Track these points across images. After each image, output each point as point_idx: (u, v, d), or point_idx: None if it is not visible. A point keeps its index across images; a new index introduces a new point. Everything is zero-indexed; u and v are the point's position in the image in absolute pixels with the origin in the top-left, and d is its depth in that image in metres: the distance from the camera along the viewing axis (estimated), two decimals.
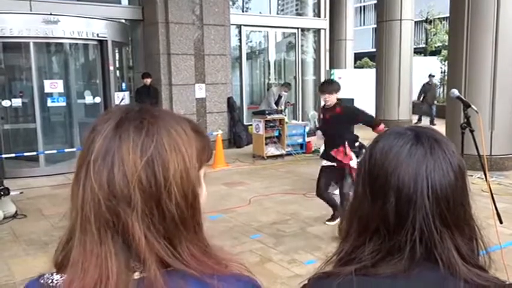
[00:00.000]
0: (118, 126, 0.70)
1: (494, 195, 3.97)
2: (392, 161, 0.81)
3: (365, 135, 4.39)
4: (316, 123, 10.37)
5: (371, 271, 0.80)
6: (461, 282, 0.77)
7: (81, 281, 0.65)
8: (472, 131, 3.86)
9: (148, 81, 9.35)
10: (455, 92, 4.17)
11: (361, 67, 22.95)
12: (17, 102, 7.79)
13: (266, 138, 8.96)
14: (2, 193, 5.48)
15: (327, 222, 4.97)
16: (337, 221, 4.85)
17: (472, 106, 3.90)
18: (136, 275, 0.68)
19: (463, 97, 4.29)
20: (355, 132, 5.20)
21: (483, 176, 4.08)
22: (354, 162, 4.64)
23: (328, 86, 4.80)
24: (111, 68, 8.42)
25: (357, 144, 5.18)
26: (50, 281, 0.71)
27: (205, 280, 0.69)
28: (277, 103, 10.50)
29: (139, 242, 0.67)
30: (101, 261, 0.66)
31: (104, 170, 0.67)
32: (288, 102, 11.90)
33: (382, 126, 4.62)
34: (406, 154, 0.81)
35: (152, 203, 0.68)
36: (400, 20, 13.19)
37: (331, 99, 4.70)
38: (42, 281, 0.71)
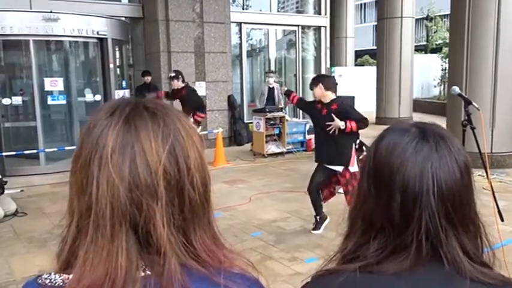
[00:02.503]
0: (130, 118, 0.69)
1: (495, 193, 3.97)
2: (398, 158, 0.80)
3: (366, 133, 4.39)
4: None
5: (375, 269, 0.79)
6: (466, 280, 0.76)
7: (90, 278, 0.65)
8: (473, 128, 3.85)
9: (148, 79, 9.35)
10: (456, 89, 4.15)
11: (362, 65, 22.92)
12: (17, 100, 7.78)
13: (267, 136, 8.96)
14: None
15: (312, 232, 4.78)
16: (321, 231, 4.71)
17: (473, 103, 3.88)
18: (141, 274, 0.67)
19: (464, 94, 4.28)
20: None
21: (484, 174, 4.07)
22: (354, 168, 4.53)
23: (312, 81, 4.72)
24: (111, 65, 8.42)
25: (357, 141, 5.13)
26: (48, 281, 0.69)
27: (212, 278, 0.69)
28: (272, 97, 9.74)
29: (160, 235, 0.66)
30: (111, 257, 0.65)
31: (124, 161, 0.66)
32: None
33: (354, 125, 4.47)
34: (411, 151, 0.80)
35: (174, 192, 0.68)
36: (401, 17, 13.17)
37: (316, 92, 4.57)
38: (40, 281, 0.70)
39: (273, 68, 12.44)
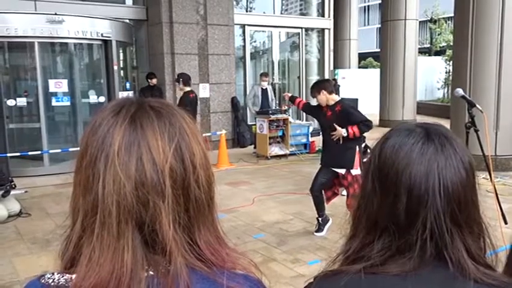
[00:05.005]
0: (136, 117, 0.70)
1: (499, 196, 3.96)
2: (404, 158, 0.80)
3: (370, 135, 4.38)
4: None
5: (380, 269, 0.79)
6: (471, 282, 0.76)
7: (96, 276, 0.65)
8: (477, 131, 3.84)
9: (153, 81, 9.37)
10: (459, 91, 4.15)
11: (366, 67, 22.92)
12: (21, 101, 7.81)
13: (270, 138, 8.96)
14: (8, 187, 5.51)
15: (315, 234, 4.76)
16: (323, 233, 4.72)
17: (477, 106, 3.88)
18: (145, 274, 0.67)
19: (467, 96, 4.27)
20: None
21: (488, 177, 4.06)
22: (356, 171, 4.53)
23: (312, 89, 4.77)
24: (116, 67, 8.44)
25: (362, 144, 5.12)
26: (51, 280, 0.70)
27: (215, 278, 0.69)
28: (266, 98, 9.58)
29: (166, 233, 0.66)
30: (117, 255, 0.65)
31: (131, 159, 0.67)
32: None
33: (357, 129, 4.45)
34: (417, 152, 0.80)
35: (180, 191, 0.68)
36: (405, 19, 13.16)
37: (320, 99, 4.63)
38: (43, 281, 0.70)
39: (276, 70, 12.45)
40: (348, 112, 4.54)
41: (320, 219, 4.77)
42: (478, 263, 0.79)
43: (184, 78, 7.51)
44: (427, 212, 0.77)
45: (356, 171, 4.53)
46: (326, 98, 4.61)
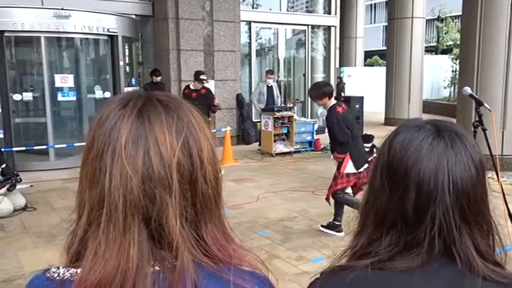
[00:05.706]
0: (144, 111, 0.69)
1: (505, 196, 3.93)
2: (413, 154, 0.80)
3: (378, 133, 4.36)
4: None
5: (387, 265, 0.79)
6: (479, 279, 0.76)
7: (102, 270, 0.64)
8: (484, 130, 3.81)
9: (158, 79, 9.35)
10: (467, 89, 4.11)
11: (371, 65, 22.82)
12: (27, 96, 7.85)
13: (275, 135, 8.95)
14: (13, 181, 5.54)
15: (320, 227, 4.78)
16: (330, 232, 4.68)
17: (485, 104, 3.85)
18: (151, 269, 0.66)
19: (475, 95, 4.24)
20: (367, 131, 5.12)
21: (494, 176, 4.03)
22: (349, 168, 4.58)
23: (314, 92, 4.80)
24: (121, 63, 8.46)
25: (369, 144, 5.14)
26: (57, 274, 0.69)
27: (221, 275, 0.69)
28: (272, 95, 9.65)
29: (172, 228, 0.66)
30: (123, 249, 0.64)
31: (138, 153, 0.66)
32: (297, 99, 11.84)
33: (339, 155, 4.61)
34: (427, 148, 0.79)
35: (187, 185, 0.68)
36: (412, 17, 13.08)
37: (321, 102, 4.79)
38: (48, 275, 0.70)
39: (282, 67, 12.43)
40: (327, 121, 4.75)
41: (335, 221, 4.70)
42: (487, 261, 0.78)
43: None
44: (436, 208, 0.77)
45: (348, 169, 4.61)
46: (325, 102, 4.72)
